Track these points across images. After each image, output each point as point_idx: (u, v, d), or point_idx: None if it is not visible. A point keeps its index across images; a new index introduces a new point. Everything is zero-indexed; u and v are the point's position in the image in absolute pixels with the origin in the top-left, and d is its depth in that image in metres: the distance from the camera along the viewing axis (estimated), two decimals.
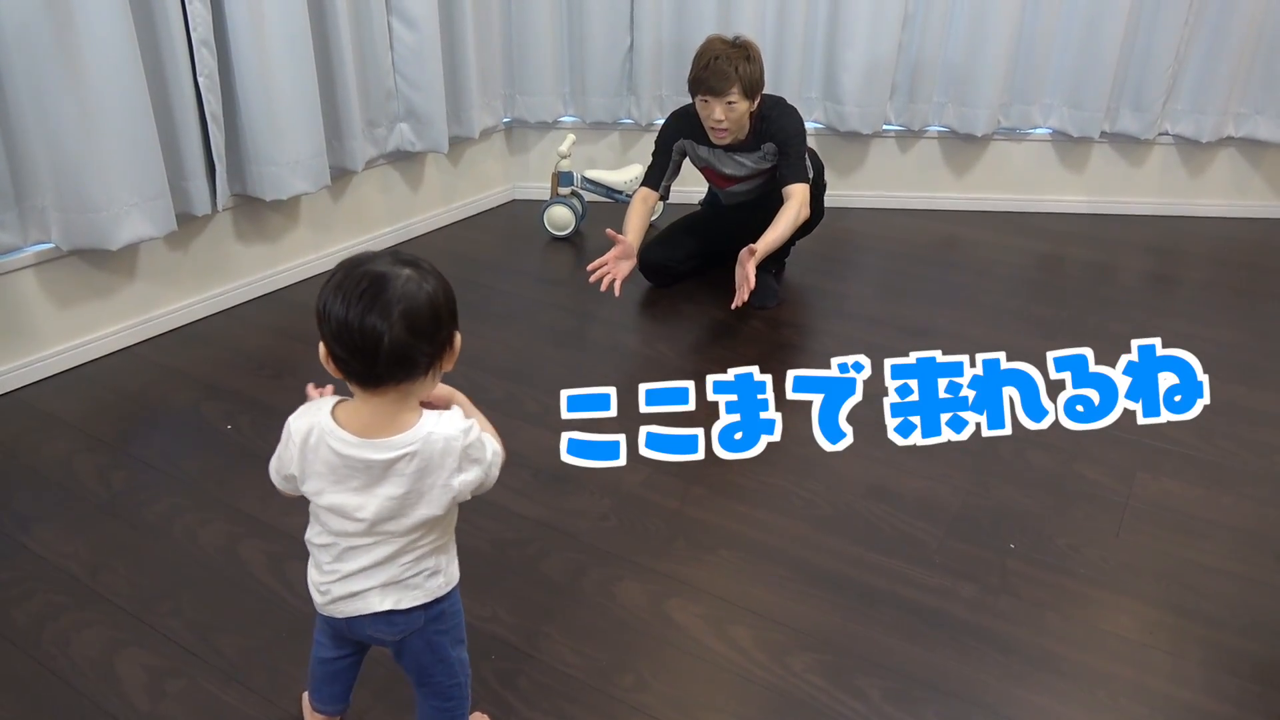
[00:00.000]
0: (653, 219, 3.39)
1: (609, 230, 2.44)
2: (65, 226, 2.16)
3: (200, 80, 2.34)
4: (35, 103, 2.03)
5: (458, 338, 1.05)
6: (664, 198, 2.74)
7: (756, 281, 2.70)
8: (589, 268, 2.42)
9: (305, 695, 1.31)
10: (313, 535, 1.11)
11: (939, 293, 2.85)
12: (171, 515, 1.76)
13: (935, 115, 3.51)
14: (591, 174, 3.35)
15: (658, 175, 2.67)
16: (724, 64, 2.36)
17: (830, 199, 2.90)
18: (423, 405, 1.08)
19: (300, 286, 2.82)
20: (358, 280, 0.99)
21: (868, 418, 2.17)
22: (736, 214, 2.77)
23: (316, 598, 1.13)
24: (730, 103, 2.40)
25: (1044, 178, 3.61)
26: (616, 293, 2.39)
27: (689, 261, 2.82)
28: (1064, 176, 3.61)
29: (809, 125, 3.51)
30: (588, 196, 3.40)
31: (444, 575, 1.13)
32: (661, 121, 2.78)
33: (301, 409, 1.09)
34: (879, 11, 3.26)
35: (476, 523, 1.74)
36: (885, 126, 3.54)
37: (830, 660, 1.44)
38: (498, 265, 3.03)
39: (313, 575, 1.13)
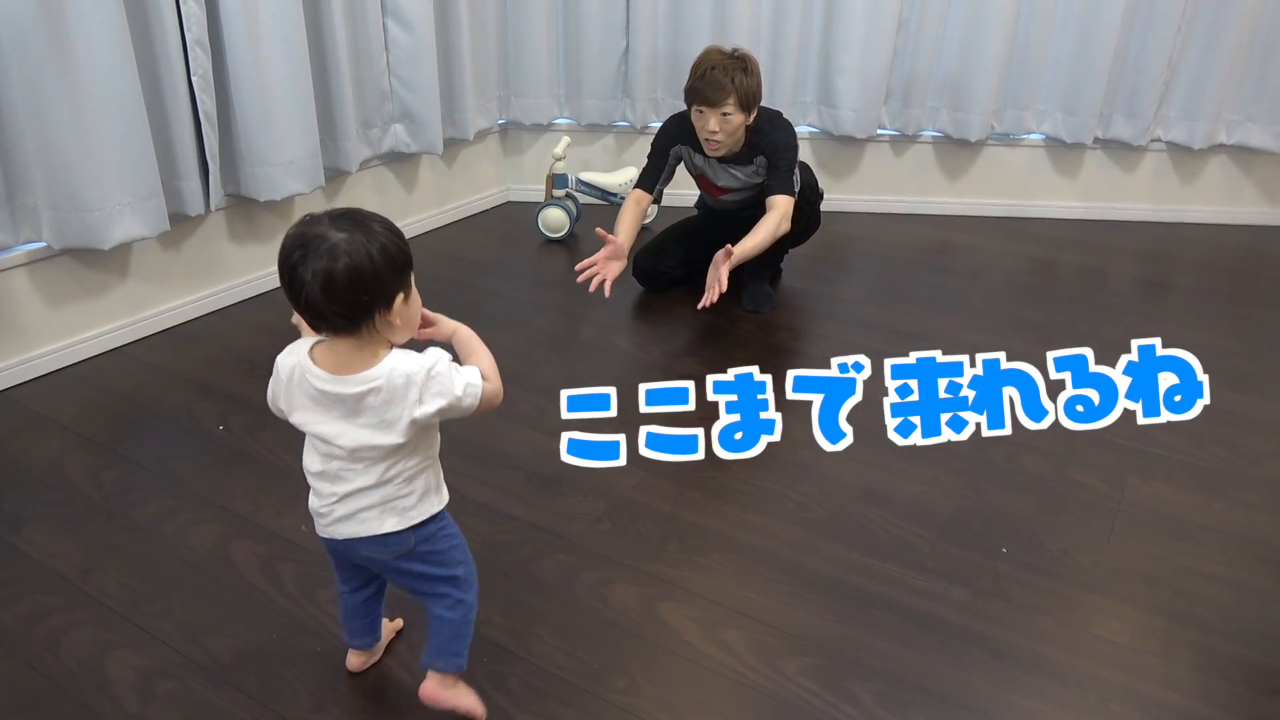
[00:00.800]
0: (647, 222, 3.40)
1: (599, 230, 2.44)
2: (57, 225, 2.15)
3: (194, 80, 2.33)
4: (28, 101, 2.02)
5: (398, 300, 1.10)
6: (656, 200, 2.74)
7: (753, 287, 2.71)
8: (577, 267, 2.41)
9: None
10: (309, 464, 1.20)
11: (933, 297, 2.85)
12: (163, 516, 1.75)
13: (930, 120, 3.52)
14: (586, 176, 3.36)
15: (652, 178, 2.67)
16: (720, 75, 2.36)
17: (825, 203, 2.91)
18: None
19: None
20: (299, 235, 1.07)
21: (862, 421, 2.18)
22: (729, 222, 2.77)
23: (318, 524, 1.22)
24: (725, 114, 2.39)
25: (1037, 183, 3.62)
26: (606, 293, 2.39)
27: (681, 268, 2.82)
28: (1057, 182, 3.62)
29: (804, 129, 3.54)
30: (582, 199, 3.40)
31: (434, 496, 1.22)
32: (656, 124, 2.79)
33: (289, 346, 1.17)
34: (874, 17, 3.27)
35: (468, 524, 1.72)
36: (880, 131, 3.55)
37: (822, 664, 1.44)
38: (491, 267, 3.03)
39: (313, 503, 1.22)
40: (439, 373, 1.12)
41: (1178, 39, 3.28)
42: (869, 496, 1.85)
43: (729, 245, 2.34)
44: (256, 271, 2.75)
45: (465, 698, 1.31)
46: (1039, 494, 1.87)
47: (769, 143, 2.50)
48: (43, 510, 1.76)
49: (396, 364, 1.11)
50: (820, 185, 2.83)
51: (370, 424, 1.12)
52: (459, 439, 2.03)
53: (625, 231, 2.52)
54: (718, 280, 2.30)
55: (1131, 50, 3.33)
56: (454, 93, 3.20)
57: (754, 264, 2.70)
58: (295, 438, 1.97)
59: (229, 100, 2.46)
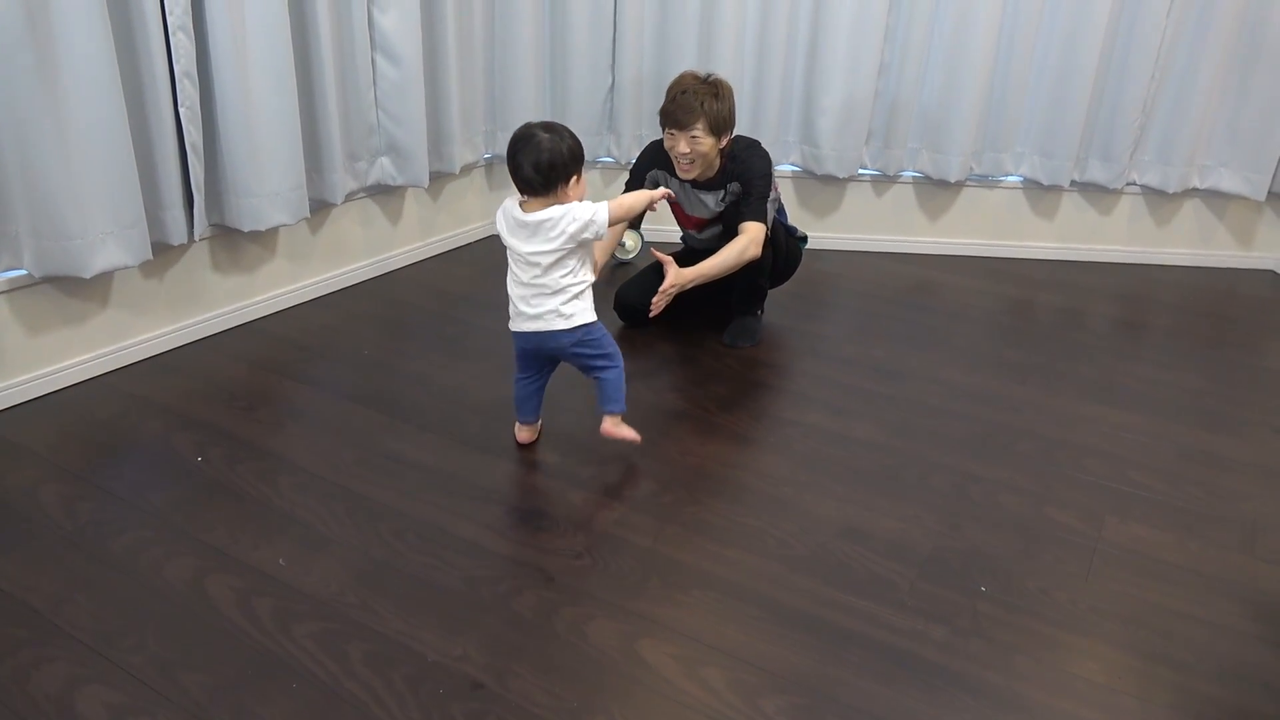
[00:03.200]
0: (631, 258, 3.42)
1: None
2: (39, 253, 2.14)
3: (181, 111, 2.34)
4: (13, 128, 2.02)
5: (573, 180, 1.89)
6: (634, 226, 2.77)
7: (736, 323, 2.73)
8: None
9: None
10: (511, 283, 1.97)
11: (913, 335, 2.88)
12: (137, 548, 1.73)
13: (910, 160, 3.57)
14: None
15: None
16: (691, 99, 2.41)
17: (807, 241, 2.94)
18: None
19: (275, 318, 2.81)
20: (522, 135, 1.86)
21: (841, 457, 2.19)
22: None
23: (517, 324, 1.98)
24: (694, 137, 2.44)
25: (1016, 224, 3.68)
26: None
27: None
28: (1035, 223, 3.68)
29: (786, 168, 3.59)
30: None
31: (590, 312, 1.96)
32: None
33: (506, 201, 1.94)
34: (856, 60, 3.33)
35: (449, 559, 1.72)
36: (861, 171, 3.60)
37: (802, 702, 1.43)
38: (475, 300, 3.04)
39: (512, 313, 1.98)
40: (579, 208, 1.88)
41: (1151, 86, 3.36)
42: (848, 533, 1.85)
43: (672, 258, 2.41)
44: (239, 301, 2.74)
45: (627, 431, 2.07)
46: (1017, 532, 1.88)
47: (744, 169, 2.54)
48: (14, 541, 1.74)
49: (565, 208, 1.87)
50: (801, 230, 2.87)
51: (541, 239, 1.87)
52: (438, 472, 2.02)
53: (599, 250, 2.55)
54: (664, 290, 2.37)
55: (1106, 96, 3.41)
56: (440, 127, 3.23)
57: (737, 301, 2.72)
58: (273, 470, 1.97)
59: (215, 131, 2.47)
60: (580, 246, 1.91)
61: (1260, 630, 1.63)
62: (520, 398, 2.10)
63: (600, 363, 2.01)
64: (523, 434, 2.15)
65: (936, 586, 1.71)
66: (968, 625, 1.61)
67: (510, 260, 1.95)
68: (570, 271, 1.91)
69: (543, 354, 2.02)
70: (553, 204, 1.87)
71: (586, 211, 1.88)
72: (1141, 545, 1.86)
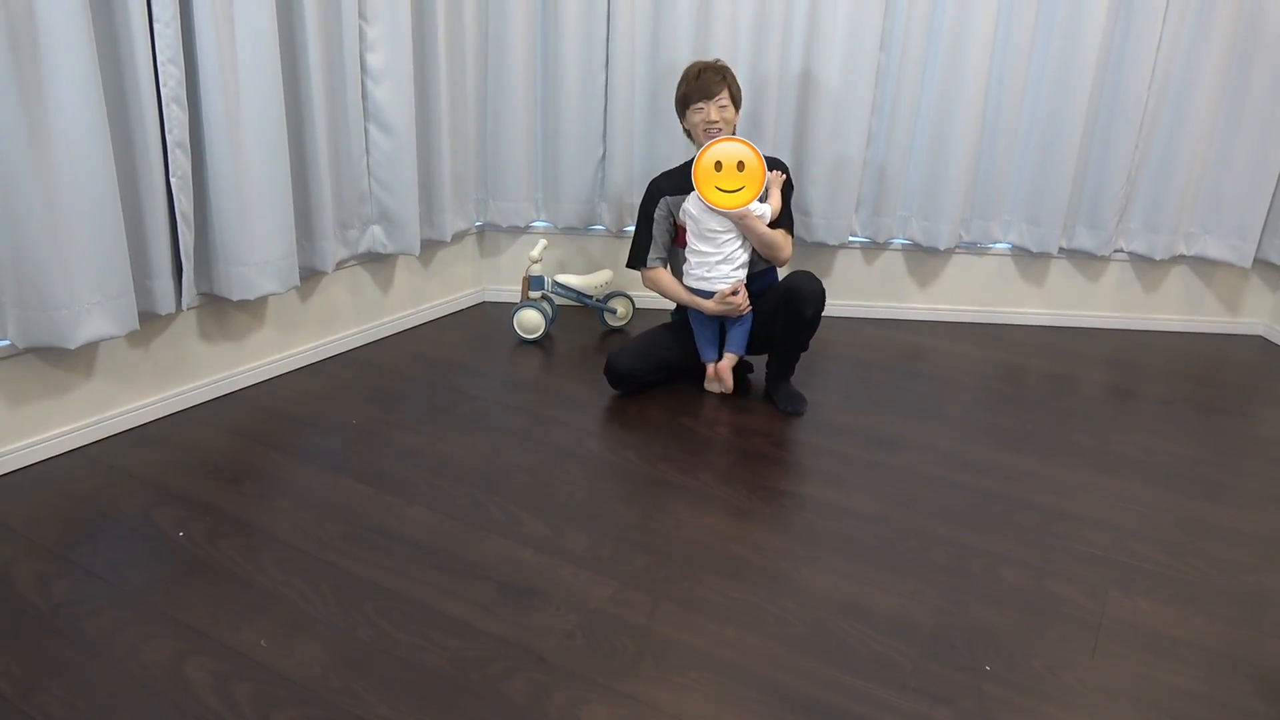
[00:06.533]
0: (623, 325, 3.42)
1: (722, 293, 2.72)
2: (23, 324, 2.11)
3: (173, 180, 2.33)
4: (2, 198, 2.01)
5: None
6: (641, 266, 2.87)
7: (784, 388, 2.83)
8: (728, 292, 2.71)
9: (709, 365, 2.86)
10: (696, 251, 2.72)
11: (906, 402, 2.86)
12: (114, 629, 1.67)
13: (899, 228, 3.60)
14: (562, 278, 3.38)
15: (643, 251, 2.85)
16: (711, 74, 2.71)
17: None
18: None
19: (263, 387, 2.77)
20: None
21: (839, 530, 2.15)
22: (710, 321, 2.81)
23: (701, 285, 2.73)
24: (721, 106, 2.71)
25: (1005, 291, 3.70)
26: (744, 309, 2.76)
27: (656, 374, 2.85)
28: (1024, 290, 3.70)
29: None
30: (558, 301, 3.41)
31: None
32: (633, 229, 2.85)
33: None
34: (844, 130, 3.37)
35: (435, 639, 1.67)
36: (851, 238, 3.62)
37: None
38: (466, 368, 3.01)
39: (697, 274, 2.73)
40: (759, 205, 2.64)
41: (1135, 155, 3.41)
42: (849, 609, 1.81)
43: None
44: (226, 370, 2.71)
45: (729, 379, 2.81)
46: (1020, 607, 1.84)
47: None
48: None
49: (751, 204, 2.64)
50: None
51: (722, 222, 2.67)
52: (426, 547, 1.97)
53: (678, 289, 2.82)
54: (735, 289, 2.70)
55: (1092, 165, 3.46)
56: (432, 195, 3.24)
57: (776, 365, 2.83)
58: (257, 545, 1.93)
59: (206, 200, 2.47)
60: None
61: (1270, 710, 1.59)
62: (702, 338, 2.83)
63: (745, 322, 2.78)
64: (711, 370, 2.82)
65: (940, 666, 1.66)
66: (973, 707, 1.56)
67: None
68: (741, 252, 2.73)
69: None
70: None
71: (766, 212, 2.68)
72: (1147, 620, 1.82)
